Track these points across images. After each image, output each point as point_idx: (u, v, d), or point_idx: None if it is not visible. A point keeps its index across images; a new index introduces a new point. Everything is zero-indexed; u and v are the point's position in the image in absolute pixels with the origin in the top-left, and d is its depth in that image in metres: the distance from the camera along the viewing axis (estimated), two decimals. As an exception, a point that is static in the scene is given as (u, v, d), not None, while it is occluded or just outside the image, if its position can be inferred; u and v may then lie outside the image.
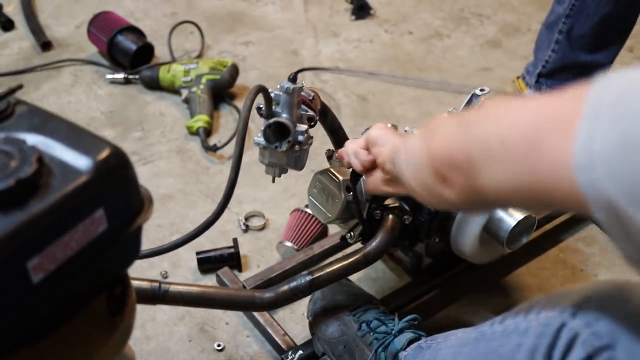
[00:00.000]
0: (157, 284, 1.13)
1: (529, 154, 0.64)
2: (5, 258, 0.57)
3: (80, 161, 0.62)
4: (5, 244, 0.56)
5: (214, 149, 1.74)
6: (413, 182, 0.84)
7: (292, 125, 1.15)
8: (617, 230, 0.58)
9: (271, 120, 1.15)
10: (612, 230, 0.59)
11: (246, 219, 1.57)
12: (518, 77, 1.81)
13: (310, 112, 1.19)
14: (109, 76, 1.96)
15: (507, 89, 1.84)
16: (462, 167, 0.73)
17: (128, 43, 1.98)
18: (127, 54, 1.97)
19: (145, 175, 1.67)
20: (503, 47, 2.19)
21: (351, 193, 1.17)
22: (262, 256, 1.50)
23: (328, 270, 1.18)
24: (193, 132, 1.79)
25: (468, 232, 1.24)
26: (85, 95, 1.93)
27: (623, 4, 1.60)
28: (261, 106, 1.16)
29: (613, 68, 1.72)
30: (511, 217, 1.23)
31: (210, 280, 1.45)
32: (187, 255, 1.47)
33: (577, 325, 0.76)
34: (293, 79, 1.15)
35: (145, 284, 1.12)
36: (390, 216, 1.19)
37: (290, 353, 1.26)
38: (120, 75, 1.96)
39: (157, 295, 1.12)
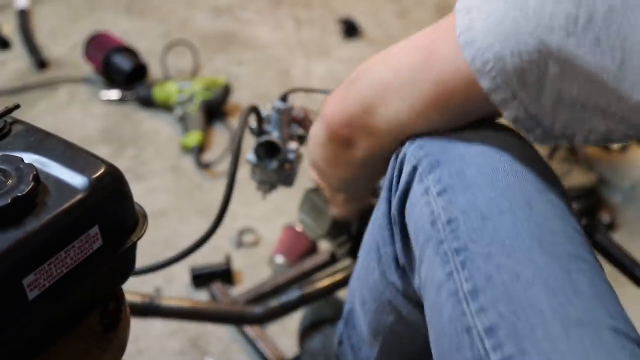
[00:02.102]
0: (148, 299, 1.13)
1: (421, 69, 0.68)
2: (2, 275, 0.56)
3: (76, 179, 0.62)
4: (2, 262, 0.56)
5: (207, 166, 1.74)
6: (325, 165, 0.86)
7: (283, 143, 1.16)
8: (524, 97, 0.63)
9: (262, 139, 1.15)
10: (513, 108, 0.64)
11: (239, 235, 1.57)
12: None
13: (301, 131, 1.20)
14: (104, 95, 1.97)
15: None
16: (360, 118, 0.75)
17: (123, 62, 1.98)
18: (122, 73, 1.97)
19: (139, 192, 1.66)
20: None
21: None
22: (255, 272, 1.50)
23: (318, 285, 1.18)
24: (187, 150, 1.80)
25: None
26: (80, 113, 1.93)
27: None
28: (253, 126, 1.16)
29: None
30: None
31: (204, 296, 1.44)
32: (181, 271, 1.46)
33: (410, 147, 0.73)
34: (284, 98, 1.16)
35: (137, 298, 1.12)
36: None
37: None
38: (115, 94, 1.96)
39: (149, 309, 1.12)
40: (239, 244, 1.55)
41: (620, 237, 1.60)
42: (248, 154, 1.18)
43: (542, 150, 1.67)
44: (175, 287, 1.45)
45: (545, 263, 0.60)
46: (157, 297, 1.14)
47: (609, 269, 1.35)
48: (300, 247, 1.47)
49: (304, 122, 1.22)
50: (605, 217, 1.64)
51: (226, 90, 1.93)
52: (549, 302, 0.58)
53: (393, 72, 0.72)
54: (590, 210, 1.64)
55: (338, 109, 0.79)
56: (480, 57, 0.62)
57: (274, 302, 1.19)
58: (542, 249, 0.61)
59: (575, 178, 1.63)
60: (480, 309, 0.60)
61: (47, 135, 0.68)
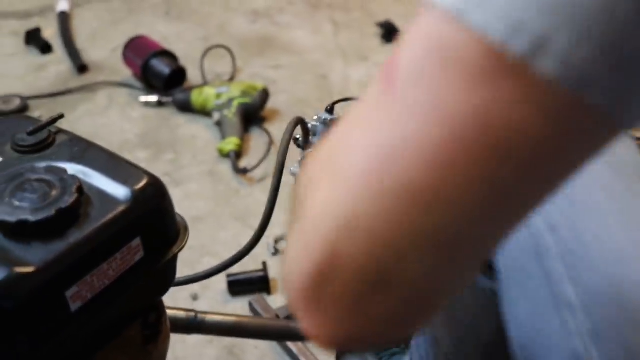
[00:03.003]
0: (193, 314, 1.12)
1: (475, 142, 0.34)
2: (45, 287, 0.57)
3: (118, 191, 0.63)
4: (46, 273, 0.57)
5: (245, 171, 1.75)
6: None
7: None
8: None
9: (309, 151, 1.15)
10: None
11: (276, 241, 1.57)
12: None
13: None
14: (143, 99, 1.99)
15: None
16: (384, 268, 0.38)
17: (162, 67, 2.00)
18: (160, 77, 1.99)
19: (176, 197, 1.66)
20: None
21: None
22: (291, 279, 1.50)
23: None
24: (224, 155, 1.80)
25: None
26: (119, 117, 1.96)
27: None
28: (298, 137, 1.16)
29: None
30: None
31: (240, 302, 1.44)
32: (217, 278, 1.46)
33: None
34: (330, 110, 1.15)
35: (181, 314, 1.12)
36: None
37: None
38: (154, 98, 1.98)
39: (193, 325, 1.12)
40: (276, 252, 1.55)
41: None
42: (292, 166, 1.18)
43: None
44: (211, 294, 1.46)
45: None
46: (201, 313, 1.13)
47: None
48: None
49: None
50: None
51: (265, 95, 1.93)
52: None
53: (427, 171, 0.35)
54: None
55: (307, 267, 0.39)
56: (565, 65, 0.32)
57: None
58: None
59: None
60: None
61: (90, 145, 0.69)
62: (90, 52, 2.18)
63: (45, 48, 2.17)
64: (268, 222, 1.12)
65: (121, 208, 0.62)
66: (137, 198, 0.63)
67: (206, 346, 1.35)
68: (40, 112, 1.94)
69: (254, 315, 1.38)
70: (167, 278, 0.72)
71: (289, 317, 1.33)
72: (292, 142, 1.16)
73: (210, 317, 1.15)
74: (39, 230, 0.58)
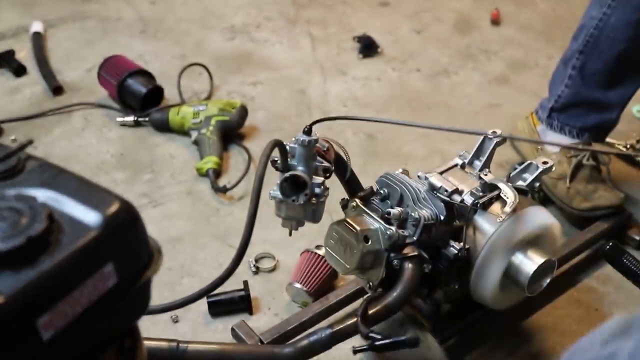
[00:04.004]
0: (175, 344, 1.12)
1: None
2: (16, 316, 0.57)
3: (89, 216, 0.63)
4: (16, 302, 0.57)
5: (224, 190, 1.75)
6: None
7: (309, 177, 1.15)
8: None
9: (287, 174, 1.15)
10: None
11: (256, 260, 1.57)
12: (532, 113, 1.81)
13: (326, 164, 1.19)
14: (119, 119, 1.99)
15: (519, 125, 1.83)
16: None
17: (138, 86, 2.00)
18: (137, 96, 1.99)
19: (155, 218, 1.67)
20: (511, 83, 2.20)
21: (369, 243, 1.17)
22: (273, 298, 1.50)
23: (349, 322, 1.17)
24: (203, 174, 1.81)
25: (488, 278, 1.23)
26: (95, 138, 1.95)
27: (639, 43, 1.59)
28: (276, 159, 1.16)
29: (626, 106, 1.70)
30: (532, 261, 1.22)
31: (221, 323, 1.44)
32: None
33: None
34: (308, 131, 1.16)
35: (163, 344, 1.12)
36: (410, 265, 1.18)
37: None
38: (130, 118, 1.98)
39: (176, 356, 1.12)
40: (257, 270, 1.55)
41: (650, 257, 1.59)
42: (272, 189, 1.18)
43: (564, 168, 1.66)
44: (192, 316, 1.46)
45: None
46: (183, 342, 1.13)
47: (639, 292, 1.33)
48: (320, 274, 1.47)
49: (328, 154, 1.22)
50: (634, 236, 1.62)
51: (243, 112, 1.94)
52: None
53: None
54: (619, 229, 1.62)
55: None
56: None
57: (304, 342, 1.18)
58: None
59: (603, 197, 1.61)
60: None
61: (60, 171, 0.69)
62: (65, 73, 2.18)
63: (19, 70, 2.17)
64: (246, 245, 1.13)
65: (92, 234, 0.62)
66: (109, 223, 0.64)
67: (188, 369, 1.35)
68: (15, 135, 1.94)
69: (237, 341, 1.37)
70: (142, 302, 0.72)
71: (273, 342, 1.33)
72: (270, 164, 1.17)
73: (192, 347, 1.15)
74: (9, 258, 0.58)
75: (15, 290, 0.57)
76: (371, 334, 1.15)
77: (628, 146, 1.86)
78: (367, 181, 1.32)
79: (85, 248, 0.61)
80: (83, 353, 0.67)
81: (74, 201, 0.64)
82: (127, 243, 0.66)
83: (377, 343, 1.15)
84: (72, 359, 0.65)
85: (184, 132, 1.93)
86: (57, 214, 0.63)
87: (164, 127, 1.95)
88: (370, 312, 1.18)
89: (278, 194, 1.16)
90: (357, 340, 1.20)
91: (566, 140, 1.71)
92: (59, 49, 2.29)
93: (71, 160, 1.86)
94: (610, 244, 1.27)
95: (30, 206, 0.61)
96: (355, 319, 1.17)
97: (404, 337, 1.14)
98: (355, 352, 1.19)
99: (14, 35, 2.35)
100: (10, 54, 2.21)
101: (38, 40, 2.27)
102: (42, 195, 0.65)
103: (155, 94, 2.03)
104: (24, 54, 2.25)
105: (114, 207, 0.64)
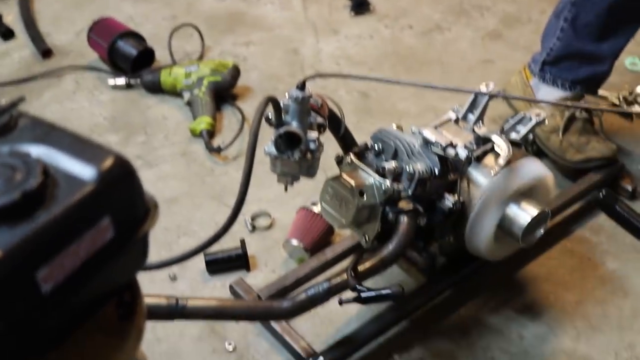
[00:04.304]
0: (174, 300, 1.13)
1: None
2: (14, 270, 0.57)
3: (84, 171, 0.63)
4: (14, 256, 0.57)
5: (218, 150, 1.75)
6: None
7: (303, 133, 1.15)
8: None
9: (282, 130, 1.15)
10: None
11: (252, 218, 1.58)
12: (525, 67, 1.80)
13: (320, 119, 1.19)
14: (111, 82, 1.97)
15: (512, 79, 1.83)
16: None
17: (128, 48, 1.99)
18: (128, 58, 1.98)
19: (150, 179, 1.68)
20: (504, 38, 2.19)
21: (364, 197, 1.17)
22: (270, 255, 1.51)
23: (344, 276, 1.19)
24: (196, 135, 1.80)
25: (483, 230, 1.25)
26: (87, 101, 1.94)
27: None
28: (270, 116, 1.16)
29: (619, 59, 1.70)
30: (526, 213, 1.23)
31: (219, 281, 1.46)
32: (195, 257, 1.47)
33: None
34: (302, 86, 1.15)
35: (162, 301, 1.12)
36: (405, 219, 1.19)
37: None
38: (122, 81, 1.97)
39: (175, 311, 1.13)
40: (253, 228, 1.56)
41: (643, 207, 1.60)
42: (266, 145, 1.18)
43: (557, 121, 1.66)
44: (190, 274, 1.47)
45: None
46: (182, 299, 1.14)
47: (630, 239, 1.35)
48: (316, 230, 1.48)
49: (322, 110, 1.21)
50: (627, 187, 1.63)
51: (235, 72, 1.93)
52: None
53: None
54: (612, 180, 1.63)
55: None
56: None
57: (302, 296, 1.19)
58: None
59: (595, 149, 1.62)
60: None
61: (53, 127, 0.69)
62: (54, 36, 2.16)
63: (7, 34, 2.14)
64: (242, 202, 1.13)
65: (88, 188, 0.62)
66: (104, 178, 0.63)
67: (188, 324, 1.36)
68: (5, 99, 1.92)
69: (235, 298, 1.39)
70: (139, 256, 0.72)
71: (271, 298, 1.34)
72: (264, 121, 1.16)
73: (191, 303, 1.16)
74: (5, 214, 0.58)
75: (12, 245, 0.57)
76: (358, 287, 1.17)
77: (620, 98, 1.86)
78: (361, 138, 1.32)
79: (81, 202, 0.61)
80: (83, 306, 0.67)
81: (68, 156, 0.64)
82: (123, 197, 0.66)
83: (363, 295, 1.17)
84: (72, 312, 0.66)
85: (176, 93, 1.92)
86: (52, 169, 0.63)
87: (155, 88, 1.94)
88: (367, 265, 1.20)
89: (273, 150, 1.17)
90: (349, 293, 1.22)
91: (558, 92, 1.70)
92: (47, 11, 2.26)
93: (63, 123, 1.81)
94: (605, 191, 1.28)
95: (24, 162, 0.61)
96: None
97: (389, 291, 1.16)
98: (341, 303, 1.20)
99: (1, -1, 2.32)
100: (-3, 17, 2.19)
101: (25, 3, 2.24)
102: (36, 151, 0.64)
103: (147, 56, 2.02)
104: (12, 17, 2.22)
105: (109, 162, 0.64)
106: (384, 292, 1.18)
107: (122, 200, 0.66)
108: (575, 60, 1.68)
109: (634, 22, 1.64)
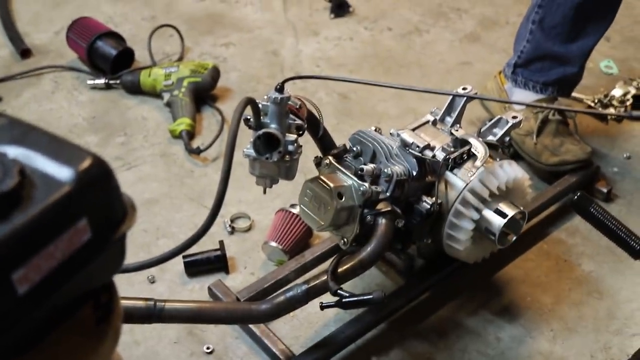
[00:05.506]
0: (152, 303, 1.13)
1: None
2: (-10, 271, 0.57)
3: (61, 172, 0.63)
4: (-10, 257, 0.57)
5: (198, 151, 1.75)
6: None
7: (282, 135, 1.15)
8: None
9: (260, 132, 1.15)
10: None
11: (232, 220, 1.58)
12: (500, 72, 1.82)
13: (298, 121, 1.19)
14: (90, 82, 1.96)
15: (488, 85, 1.85)
16: None
17: (108, 48, 1.98)
18: (107, 59, 1.97)
19: (129, 180, 1.67)
20: (482, 41, 2.21)
21: (343, 199, 1.18)
22: (249, 257, 1.51)
23: (323, 278, 1.19)
24: (176, 136, 1.80)
25: (460, 232, 1.25)
26: (66, 101, 1.93)
27: None
28: (249, 117, 1.16)
29: (589, 59, 1.72)
30: (502, 215, 1.24)
31: (198, 283, 1.45)
32: (174, 259, 1.47)
33: None
34: (280, 88, 1.15)
35: (140, 303, 1.12)
36: (384, 221, 1.20)
37: None
38: (101, 81, 1.96)
39: (153, 314, 1.12)
40: (232, 230, 1.56)
41: (618, 208, 1.62)
42: (245, 147, 1.18)
43: (531, 124, 1.68)
44: (168, 276, 1.46)
45: None
46: (160, 301, 1.14)
47: (606, 241, 1.37)
48: (295, 232, 1.48)
49: (300, 112, 1.22)
50: (602, 189, 1.65)
51: (215, 73, 1.93)
52: None
53: None
54: (587, 182, 1.65)
55: None
56: None
57: (281, 298, 1.19)
58: None
59: (570, 151, 1.64)
60: None
61: (31, 127, 0.68)
62: (33, 36, 2.14)
63: (-15, 33, 2.12)
64: (221, 203, 1.13)
65: (65, 189, 0.62)
66: (81, 179, 0.63)
67: (166, 327, 1.36)
68: (-16, 99, 1.90)
69: (213, 300, 1.38)
70: (117, 258, 0.72)
71: (249, 300, 1.34)
72: (243, 123, 1.16)
73: (169, 305, 1.15)
74: (-19, 214, 0.58)
75: (-12, 245, 0.56)
76: (339, 291, 1.17)
77: (596, 101, 1.88)
78: (341, 140, 1.33)
79: (58, 203, 0.61)
80: (59, 307, 0.67)
81: (45, 157, 0.64)
82: (100, 198, 0.66)
83: (345, 300, 1.17)
84: (49, 313, 0.65)
85: (156, 94, 1.92)
86: (29, 170, 0.62)
87: (135, 89, 1.94)
88: (345, 267, 1.20)
89: (252, 151, 1.17)
90: (331, 297, 1.22)
91: (532, 95, 1.72)
92: (25, 11, 2.24)
93: (42, 124, 1.80)
94: (579, 194, 1.29)
95: (0, 162, 0.61)
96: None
97: (370, 295, 1.17)
98: (322, 307, 1.21)
99: (-21, -2, 2.29)
100: (-25, 17, 2.16)
101: (4, 3, 2.22)
102: (13, 152, 0.64)
103: (126, 56, 2.01)
104: (-10, 17, 2.20)
105: (86, 163, 0.64)
106: (365, 297, 1.17)
107: (99, 201, 0.66)
108: (545, 62, 1.70)
109: (601, 22, 1.65)
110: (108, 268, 0.73)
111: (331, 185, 1.19)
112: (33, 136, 0.67)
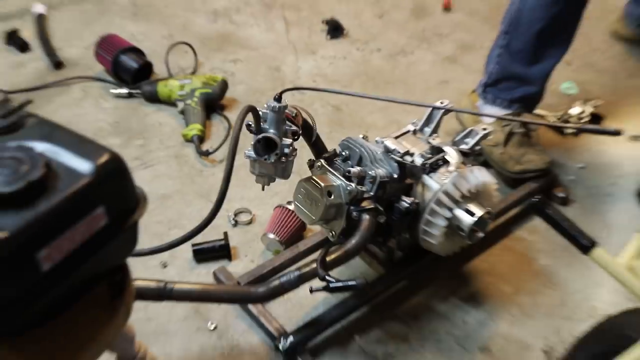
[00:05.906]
0: (163, 284, 1.13)
1: None
2: (18, 249, 0.58)
3: (82, 165, 0.64)
4: (18, 237, 0.58)
5: (207, 154, 1.75)
6: None
7: (279, 139, 1.16)
8: None
9: (260, 136, 1.16)
10: None
11: (235, 214, 1.59)
12: (473, 90, 1.83)
13: (294, 127, 1.20)
14: (114, 91, 1.97)
15: (462, 102, 1.85)
16: None
17: (130, 62, 1.98)
18: (129, 71, 1.97)
19: (146, 178, 1.67)
20: (459, 62, 2.22)
21: (332, 197, 1.19)
22: (250, 247, 1.52)
23: (314, 266, 1.20)
24: (188, 139, 1.81)
25: (434, 228, 1.26)
26: (93, 108, 1.94)
27: (557, 21, 1.59)
28: (250, 123, 1.17)
29: (549, 81, 1.73)
30: (472, 214, 1.25)
31: (204, 269, 1.46)
32: (183, 247, 1.46)
33: None
34: (278, 98, 1.16)
35: (153, 284, 1.13)
36: (367, 217, 1.20)
37: (282, 339, 1.27)
38: (124, 90, 1.96)
39: (164, 294, 1.13)
40: (235, 223, 1.57)
41: (573, 211, 1.63)
42: (247, 149, 1.19)
43: (498, 136, 1.69)
44: (179, 262, 1.47)
45: None
46: (170, 282, 1.14)
47: (561, 239, 1.37)
48: (290, 225, 1.49)
49: (296, 119, 1.23)
50: (559, 194, 1.66)
51: (224, 86, 1.94)
52: None
53: None
54: (546, 188, 1.66)
55: None
56: None
57: (276, 282, 1.20)
58: None
59: (532, 161, 1.65)
60: None
61: (57, 127, 0.70)
62: (66, 50, 2.15)
63: (24, 47, 2.13)
64: (223, 199, 1.14)
65: (85, 180, 0.63)
66: (99, 171, 0.64)
67: (175, 306, 1.36)
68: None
69: (217, 283, 1.39)
70: (130, 242, 0.73)
71: (249, 284, 1.35)
72: (245, 128, 1.17)
73: (178, 286, 1.16)
74: (11, 200, 0.59)
75: (17, 227, 0.57)
76: (327, 277, 1.18)
77: (558, 116, 1.89)
78: (333, 147, 1.33)
79: (78, 192, 0.62)
80: (79, 283, 0.68)
81: (68, 152, 0.65)
82: (115, 189, 0.67)
83: (332, 285, 1.18)
84: (69, 289, 0.66)
85: (171, 102, 1.92)
86: (54, 163, 0.64)
87: (153, 98, 1.94)
88: (333, 256, 1.21)
89: (252, 153, 1.18)
90: (320, 283, 1.22)
91: (500, 111, 1.73)
92: (59, 28, 2.25)
93: (70, 126, 1.83)
94: (539, 198, 1.30)
95: (29, 156, 0.62)
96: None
97: (354, 282, 1.17)
98: (312, 291, 1.21)
99: (19, 15, 2.30)
100: (15, 32, 2.17)
101: (41, 21, 2.22)
102: (41, 147, 0.65)
103: (146, 69, 2.02)
104: (28, 32, 2.20)
105: (104, 158, 0.65)
106: (350, 283, 1.18)
107: (115, 192, 0.67)
108: (510, 82, 1.71)
109: (559, 47, 1.66)
110: (121, 251, 0.74)
111: (322, 184, 1.20)
112: (58, 134, 0.68)
